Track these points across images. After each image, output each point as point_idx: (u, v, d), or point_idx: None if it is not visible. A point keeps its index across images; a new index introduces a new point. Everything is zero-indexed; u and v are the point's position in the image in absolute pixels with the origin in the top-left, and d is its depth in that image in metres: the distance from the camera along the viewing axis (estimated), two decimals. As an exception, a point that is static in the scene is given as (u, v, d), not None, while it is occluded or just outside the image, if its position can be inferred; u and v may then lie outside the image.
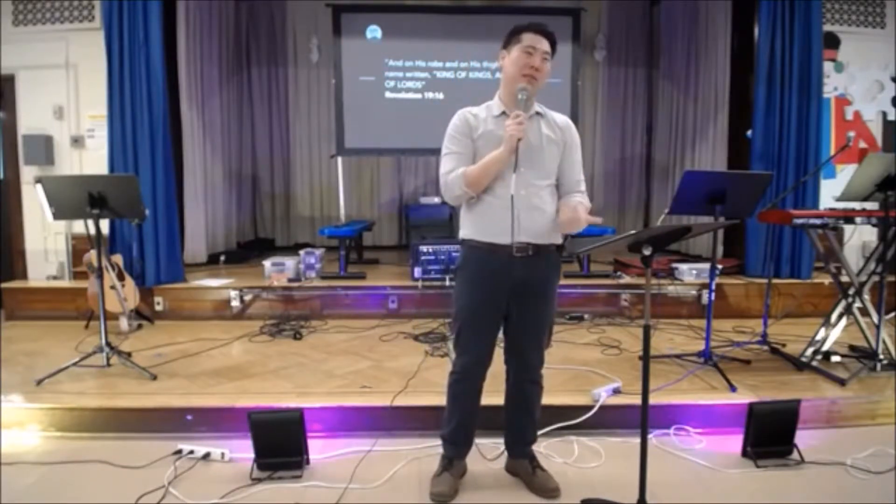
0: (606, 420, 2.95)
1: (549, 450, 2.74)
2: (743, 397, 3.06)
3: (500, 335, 2.45)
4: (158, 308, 4.78)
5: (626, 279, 5.05)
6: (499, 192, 2.25)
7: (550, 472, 2.48)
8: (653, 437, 2.82)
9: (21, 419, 2.99)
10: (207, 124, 5.92)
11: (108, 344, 3.49)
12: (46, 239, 5.28)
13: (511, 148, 2.17)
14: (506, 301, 2.33)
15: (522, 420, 2.51)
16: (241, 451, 2.66)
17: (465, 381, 2.42)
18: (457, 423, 2.46)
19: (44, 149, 5.14)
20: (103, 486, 2.47)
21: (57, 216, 3.43)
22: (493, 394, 2.54)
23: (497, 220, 2.24)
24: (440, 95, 5.96)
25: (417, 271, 4.85)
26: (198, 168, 5.72)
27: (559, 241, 2.37)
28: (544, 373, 2.49)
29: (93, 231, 3.41)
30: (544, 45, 2.26)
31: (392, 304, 4.83)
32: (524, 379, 2.46)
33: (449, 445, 2.50)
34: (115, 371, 3.44)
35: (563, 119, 2.42)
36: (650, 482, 2.13)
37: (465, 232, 2.37)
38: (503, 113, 2.30)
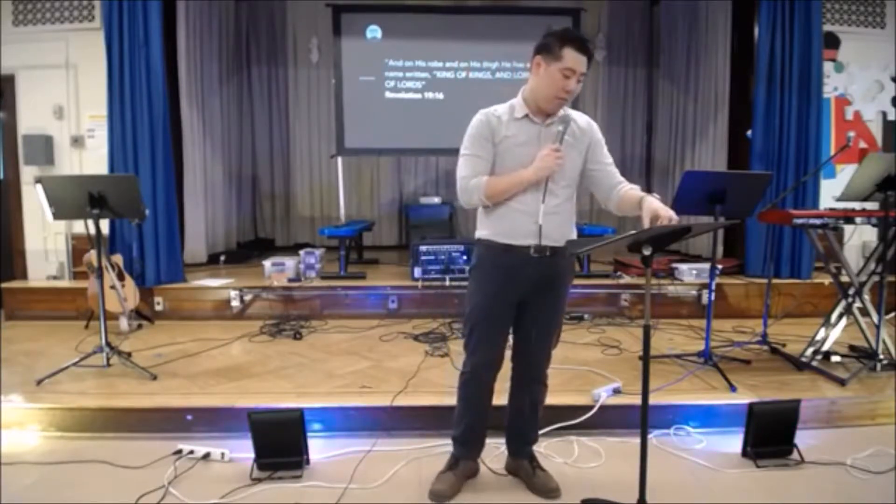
0: (606, 420, 2.95)
1: (549, 450, 2.74)
2: (743, 397, 3.06)
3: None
4: (158, 308, 4.78)
5: (626, 279, 5.05)
6: (523, 200, 2.23)
7: (550, 472, 2.48)
8: (653, 437, 2.82)
9: (21, 419, 2.99)
10: (207, 124, 5.92)
11: (108, 344, 3.49)
12: (46, 239, 5.28)
13: (541, 178, 2.18)
14: (518, 299, 2.33)
15: (525, 419, 2.51)
16: (241, 451, 2.66)
17: (476, 382, 2.41)
18: (466, 426, 2.46)
19: (44, 149, 5.14)
20: (103, 486, 2.47)
21: (57, 216, 3.43)
22: (495, 393, 2.54)
23: (518, 226, 2.24)
24: (440, 95, 5.95)
25: (417, 271, 4.85)
26: (198, 168, 5.72)
27: (574, 236, 2.36)
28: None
29: (93, 231, 3.41)
30: (584, 65, 2.16)
31: (392, 304, 4.83)
32: (530, 378, 2.46)
33: (458, 446, 2.50)
34: (115, 371, 3.44)
35: (584, 120, 2.36)
36: (650, 482, 2.13)
37: (482, 233, 2.34)
38: (526, 116, 2.26)
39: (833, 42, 5.47)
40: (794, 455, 2.69)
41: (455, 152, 2.36)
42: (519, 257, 2.25)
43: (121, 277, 4.36)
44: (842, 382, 3.25)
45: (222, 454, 2.68)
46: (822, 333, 3.63)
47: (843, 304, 3.58)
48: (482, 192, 2.23)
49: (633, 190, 2.25)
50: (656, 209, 2.04)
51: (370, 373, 3.52)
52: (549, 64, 2.16)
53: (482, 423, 2.47)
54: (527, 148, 2.23)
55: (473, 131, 2.29)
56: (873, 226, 3.61)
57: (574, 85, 2.16)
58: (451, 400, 2.59)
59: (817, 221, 3.48)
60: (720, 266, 4.91)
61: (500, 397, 2.55)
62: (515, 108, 2.28)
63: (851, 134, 5.54)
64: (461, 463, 2.49)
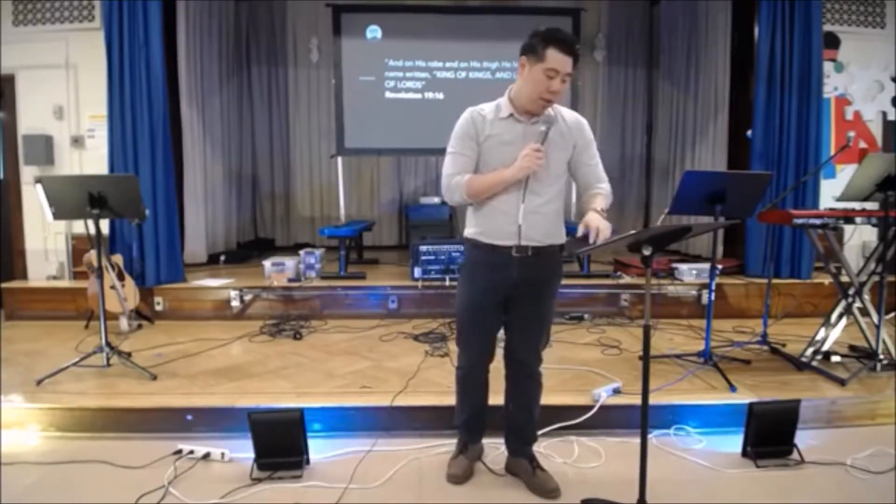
0: (606, 420, 2.95)
1: (549, 450, 2.74)
2: (743, 397, 3.06)
3: (502, 334, 2.48)
4: (158, 308, 4.78)
5: (626, 279, 5.05)
6: (505, 199, 2.25)
7: (550, 472, 2.48)
8: (653, 437, 2.82)
9: (21, 419, 2.99)
10: (207, 124, 5.92)
11: (108, 344, 3.49)
12: (46, 239, 5.28)
13: (521, 177, 2.18)
14: (505, 298, 2.35)
15: (522, 418, 2.52)
16: (241, 451, 2.66)
17: (471, 377, 2.50)
18: (469, 415, 2.54)
19: (44, 149, 5.14)
20: (103, 486, 2.47)
21: (57, 216, 3.43)
22: (494, 393, 2.56)
23: (500, 226, 2.26)
24: (440, 95, 5.95)
25: (417, 271, 4.85)
26: (198, 168, 5.72)
27: (561, 240, 2.37)
28: (545, 372, 2.50)
29: (93, 231, 3.41)
30: (569, 66, 2.14)
31: (392, 304, 4.83)
32: (523, 376, 2.48)
33: (464, 432, 2.58)
34: (115, 371, 3.44)
35: (573, 118, 2.36)
36: (650, 482, 2.13)
37: (470, 231, 2.38)
38: (511, 115, 2.27)
39: (833, 42, 5.46)
40: (794, 455, 2.69)
41: (455, 153, 2.36)
42: (503, 257, 2.28)
43: (121, 277, 4.36)
44: (842, 382, 3.25)
45: (222, 454, 2.69)
46: (822, 333, 3.63)
47: (843, 304, 3.58)
48: (463, 190, 2.26)
49: (595, 197, 2.30)
50: (587, 221, 2.12)
51: (370, 373, 3.52)
52: (532, 65, 2.16)
53: (482, 409, 2.55)
54: (511, 147, 2.23)
55: (459, 129, 2.31)
56: (873, 226, 3.60)
57: (558, 85, 2.16)
58: (451, 400, 2.61)
59: (817, 221, 3.48)
60: (720, 266, 4.91)
61: (498, 397, 2.57)
62: (501, 108, 2.30)
63: (851, 134, 5.54)
64: (469, 447, 2.58)
